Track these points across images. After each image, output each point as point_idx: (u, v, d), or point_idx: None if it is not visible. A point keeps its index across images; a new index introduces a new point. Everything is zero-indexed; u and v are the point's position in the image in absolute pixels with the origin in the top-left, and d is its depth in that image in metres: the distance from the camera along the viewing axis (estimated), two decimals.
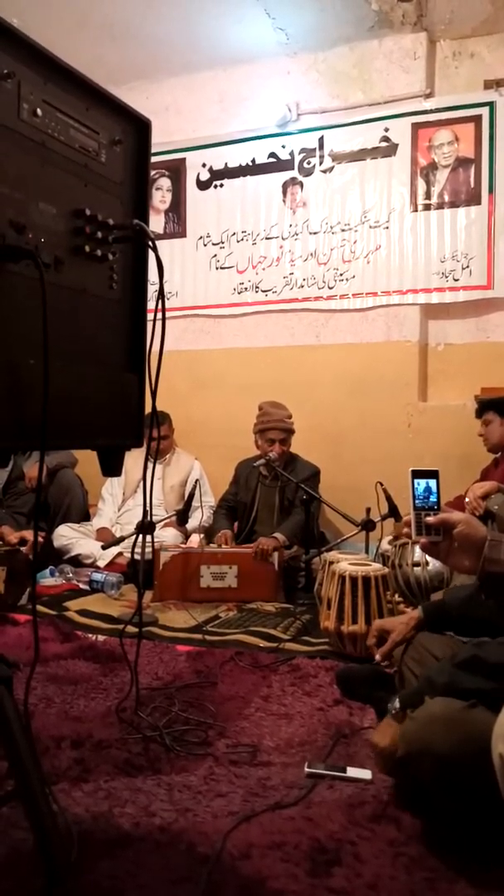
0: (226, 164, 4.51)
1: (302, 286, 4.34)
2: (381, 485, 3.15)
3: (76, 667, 2.29)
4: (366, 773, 1.58)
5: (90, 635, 2.65)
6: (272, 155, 4.40)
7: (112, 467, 1.24)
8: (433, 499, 1.27)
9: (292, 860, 1.26)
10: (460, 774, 1.20)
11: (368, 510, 3.14)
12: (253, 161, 4.45)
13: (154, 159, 4.71)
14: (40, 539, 3.63)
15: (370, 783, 1.55)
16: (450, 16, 3.86)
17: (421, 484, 1.28)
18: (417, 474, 1.28)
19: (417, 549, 2.86)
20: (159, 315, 1.25)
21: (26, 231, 1.01)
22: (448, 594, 1.83)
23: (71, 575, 3.52)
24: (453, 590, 2.13)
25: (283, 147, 4.37)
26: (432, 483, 1.28)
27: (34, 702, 1.97)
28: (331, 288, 4.27)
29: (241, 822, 1.38)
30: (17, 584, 2.99)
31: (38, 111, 1.03)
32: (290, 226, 4.37)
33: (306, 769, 1.61)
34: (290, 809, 1.44)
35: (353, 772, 1.59)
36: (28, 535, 3.19)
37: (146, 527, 2.26)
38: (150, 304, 1.27)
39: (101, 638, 2.61)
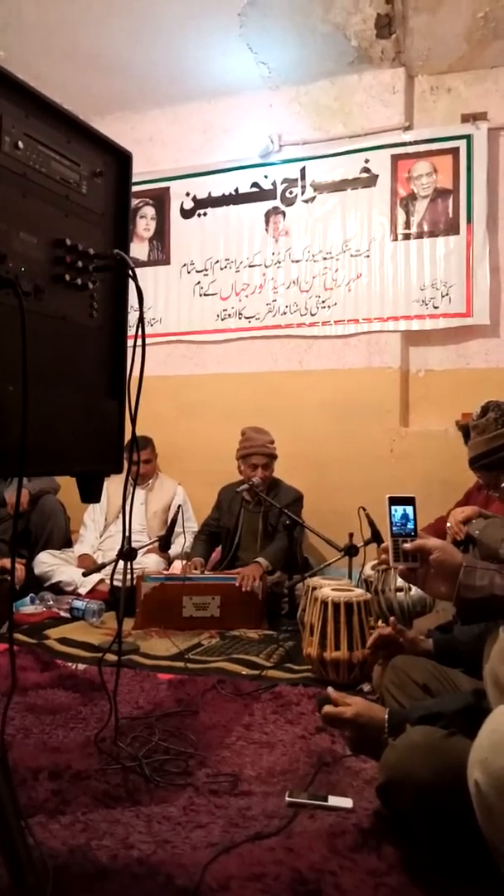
0: (209, 193, 4.57)
1: (284, 313, 4.38)
2: (364, 510, 3.15)
3: (55, 696, 2.26)
4: (347, 802, 1.57)
5: (70, 664, 2.62)
6: (255, 185, 4.47)
7: (91, 493, 1.24)
8: (410, 525, 1.28)
9: (272, 892, 1.24)
10: (440, 802, 1.19)
11: (351, 535, 3.14)
12: (236, 190, 4.51)
13: (138, 188, 4.74)
14: (21, 569, 3.59)
15: (352, 812, 1.54)
16: (427, 52, 3.97)
17: (398, 511, 1.29)
18: (394, 501, 1.30)
19: None
20: (139, 342, 1.27)
21: (7, 260, 1.02)
22: (458, 629, 1.82)
23: (51, 602, 3.47)
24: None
25: (266, 177, 4.44)
26: (409, 510, 1.29)
27: (11, 732, 1.94)
28: (313, 315, 4.32)
29: (220, 853, 1.36)
30: None
31: (20, 144, 1.05)
32: (273, 254, 4.43)
33: (287, 798, 1.59)
34: (270, 840, 1.42)
35: (334, 800, 1.58)
36: (8, 563, 3.16)
37: (127, 553, 2.25)
38: (133, 331, 1.29)
39: (81, 666, 2.58)
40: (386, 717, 1.43)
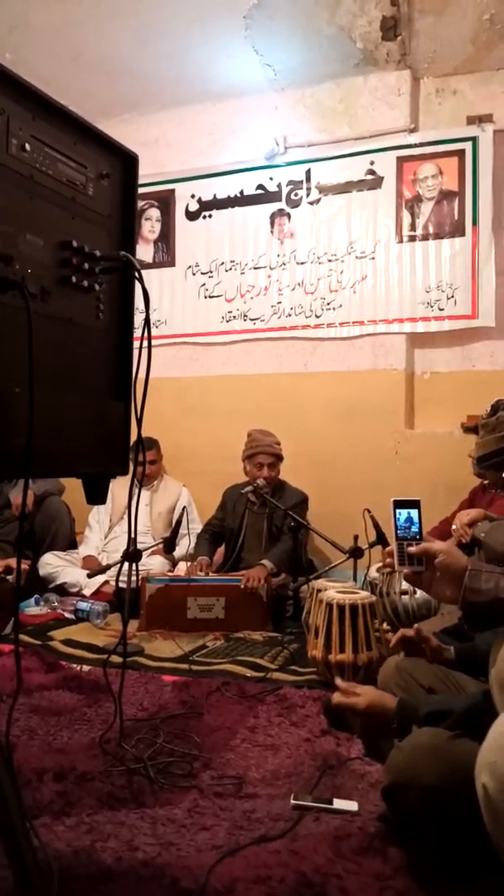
0: (214, 195, 4.57)
1: (290, 315, 4.38)
2: (369, 512, 3.15)
3: (60, 697, 2.26)
4: (352, 805, 1.56)
5: (75, 665, 2.62)
6: (260, 186, 4.47)
7: (97, 495, 1.24)
8: (415, 529, 1.28)
9: (277, 894, 1.24)
10: (447, 805, 1.19)
11: (356, 538, 3.13)
12: (241, 192, 4.52)
13: (144, 190, 4.75)
14: (25, 567, 3.59)
15: (357, 815, 1.53)
16: (432, 54, 3.97)
17: (402, 514, 1.29)
18: (399, 504, 1.30)
19: None
20: (145, 344, 1.27)
21: (13, 262, 1.02)
22: (480, 638, 1.80)
23: (56, 604, 3.48)
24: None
25: (271, 179, 4.44)
26: (414, 513, 1.29)
27: (17, 733, 1.94)
28: (318, 317, 4.32)
29: (225, 855, 1.36)
30: (2, 613, 2.95)
31: (27, 146, 1.05)
32: (278, 256, 4.43)
33: (292, 801, 1.59)
34: (275, 842, 1.42)
35: (339, 803, 1.57)
36: (14, 563, 3.16)
37: (132, 555, 2.24)
38: (139, 333, 1.29)
39: (85, 668, 2.58)
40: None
